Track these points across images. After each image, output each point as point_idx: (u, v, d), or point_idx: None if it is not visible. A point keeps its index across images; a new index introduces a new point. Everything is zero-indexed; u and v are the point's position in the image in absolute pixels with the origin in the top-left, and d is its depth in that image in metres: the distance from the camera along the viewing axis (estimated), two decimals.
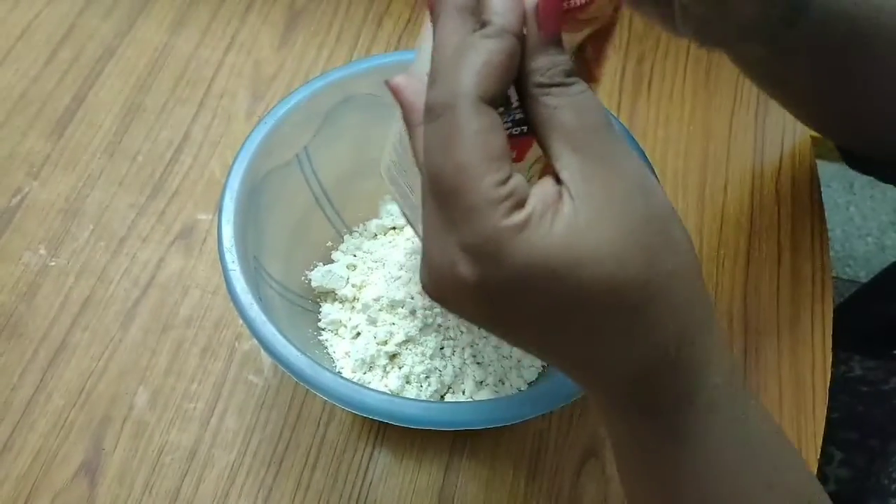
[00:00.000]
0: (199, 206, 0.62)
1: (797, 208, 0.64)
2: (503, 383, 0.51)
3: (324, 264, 0.55)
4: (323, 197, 0.55)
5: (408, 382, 0.50)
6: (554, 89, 0.28)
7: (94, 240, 0.60)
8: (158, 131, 0.65)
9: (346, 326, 0.53)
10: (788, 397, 0.56)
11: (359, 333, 0.52)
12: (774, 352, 0.57)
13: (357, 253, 0.56)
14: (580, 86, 0.29)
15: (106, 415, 0.53)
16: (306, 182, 0.54)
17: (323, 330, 0.53)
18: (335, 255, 0.56)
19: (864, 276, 1.46)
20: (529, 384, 0.51)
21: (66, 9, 0.71)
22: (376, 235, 0.57)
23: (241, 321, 0.56)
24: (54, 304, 0.57)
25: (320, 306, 0.54)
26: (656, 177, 0.42)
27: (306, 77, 0.68)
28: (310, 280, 0.54)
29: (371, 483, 0.52)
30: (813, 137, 0.68)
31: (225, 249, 0.45)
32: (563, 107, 0.28)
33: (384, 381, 0.50)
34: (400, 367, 0.50)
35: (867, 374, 0.74)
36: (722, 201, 0.64)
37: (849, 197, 1.56)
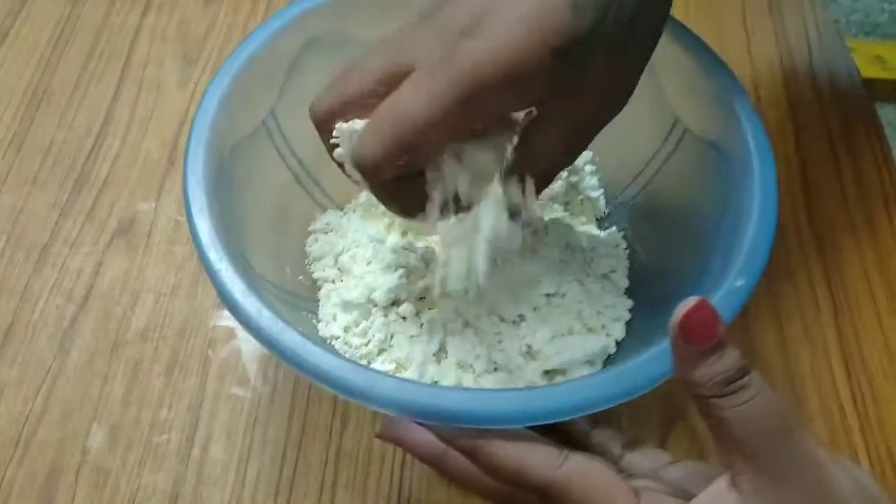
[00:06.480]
0: (137, 195, 0.50)
1: (841, 105, 0.55)
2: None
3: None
4: (303, 173, 0.44)
5: (461, 367, 0.39)
6: (717, 400, 0.27)
7: (9, 252, 0.48)
8: (73, 116, 0.53)
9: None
10: (885, 311, 0.46)
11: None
12: (857, 265, 0.48)
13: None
14: (749, 390, 0.26)
15: (54, 466, 0.41)
16: (280, 156, 0.42)
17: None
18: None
19: None
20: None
21: None
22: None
23: (211, 325, 0.45)
24: None
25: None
26: None
27: (244, 32, 0.57)
28: (312, 272, 0.44)
29: (411, 495, 0.40)
30: None
31: (205, 247, 0.33)
32: (729, 418, 0.27)
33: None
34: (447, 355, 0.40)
35: None
36: (756, 108, 0.54)
37: None
